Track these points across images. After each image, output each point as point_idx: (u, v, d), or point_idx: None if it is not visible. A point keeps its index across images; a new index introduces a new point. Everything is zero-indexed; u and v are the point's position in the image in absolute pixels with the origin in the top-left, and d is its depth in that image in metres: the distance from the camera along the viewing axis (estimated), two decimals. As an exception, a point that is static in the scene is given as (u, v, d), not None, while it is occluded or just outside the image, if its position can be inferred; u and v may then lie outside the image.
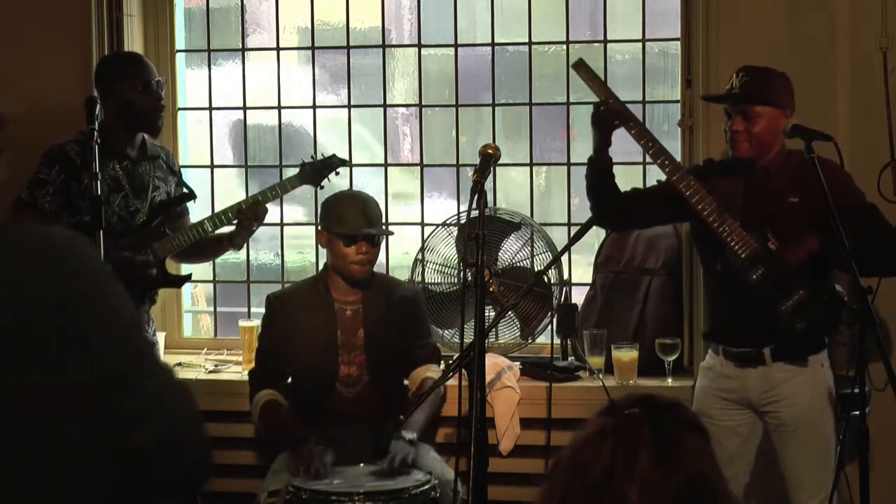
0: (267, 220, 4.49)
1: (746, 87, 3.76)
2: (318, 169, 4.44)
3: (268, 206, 4.37)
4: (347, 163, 4.55)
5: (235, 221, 4.35)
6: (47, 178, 4.21)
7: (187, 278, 4.52)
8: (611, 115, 3.77)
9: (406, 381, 4.31)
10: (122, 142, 4.28)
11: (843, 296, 3.70)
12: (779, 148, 3.81)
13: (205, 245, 4.42)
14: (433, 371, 4.22)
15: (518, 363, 4.67)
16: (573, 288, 4.85)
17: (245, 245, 4.58)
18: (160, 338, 4.98)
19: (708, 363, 3.96)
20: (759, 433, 3.90)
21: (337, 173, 4.48)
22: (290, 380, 4.30)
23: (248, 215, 4.31)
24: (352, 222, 4.18)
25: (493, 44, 5.01)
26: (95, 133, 3.93)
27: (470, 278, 3.62)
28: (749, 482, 3.95)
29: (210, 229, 4.33)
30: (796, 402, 3.79)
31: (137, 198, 4.30)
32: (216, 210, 4.56)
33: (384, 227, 4.32)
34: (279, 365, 4.26)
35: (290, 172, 4.59)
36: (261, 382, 4.24)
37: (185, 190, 4.48)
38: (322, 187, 4.49)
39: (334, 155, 4.48)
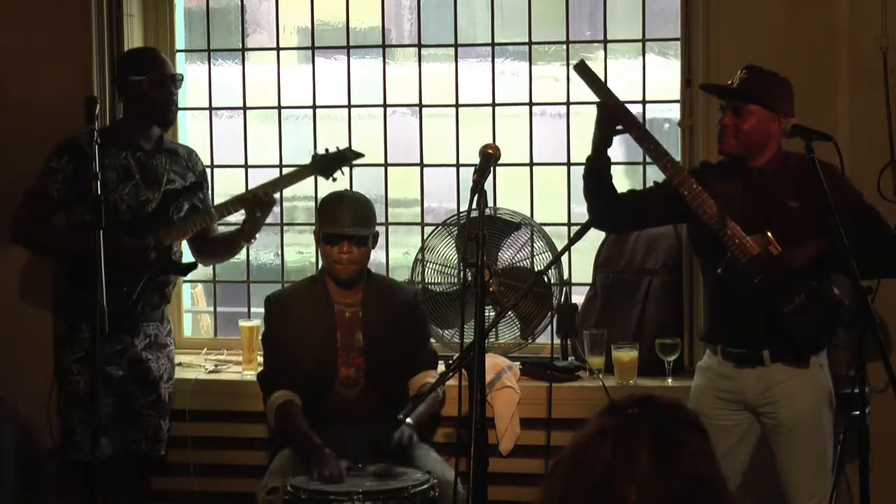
0: (268, 219, 4.45)
1: (744, 84, 3.77)
2: (329, 161, 4.43)
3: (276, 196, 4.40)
4: (362, 155, 4.54)
5: (243, 212, 4.36)
6: (57, 166, 4.25)
7: (192, 266, 4.47)
8: (613, 117, 3.77)
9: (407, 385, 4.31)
10: (136, 134, 4.33)
11: (841, 298, 3.70)
12: (775, 150, 3.81)
13: (221, 244, 4.47)
14: (432, 377, 4.20)
15: (518, 363, 4.67)
16: (573, 288, 4.85)
17: (255, 237, 4.58)
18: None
19: (705, 363, 3.96)
20: (755, 434, 3.89)
21: (351, 166, 4.47)
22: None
23: (254, 204, 4.32)
24: (334, 222, 4.18)
25: (493, 44, 5.01)
26: (95, 133, 3.93)
27: (470, 278, 3.61)
28: (746, 483, 3.95)
29: (216, 217, 4.36)
30: (793, 402, 3.78)
31: (149, 188, 4.31)
32: None
33: (373, 229, 4.26)
34: (288, 364, 4.24)
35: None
36: (273, 384, 4.21)
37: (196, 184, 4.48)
38: (335, 179, 4.47)
39: (348, 148, 4.47)
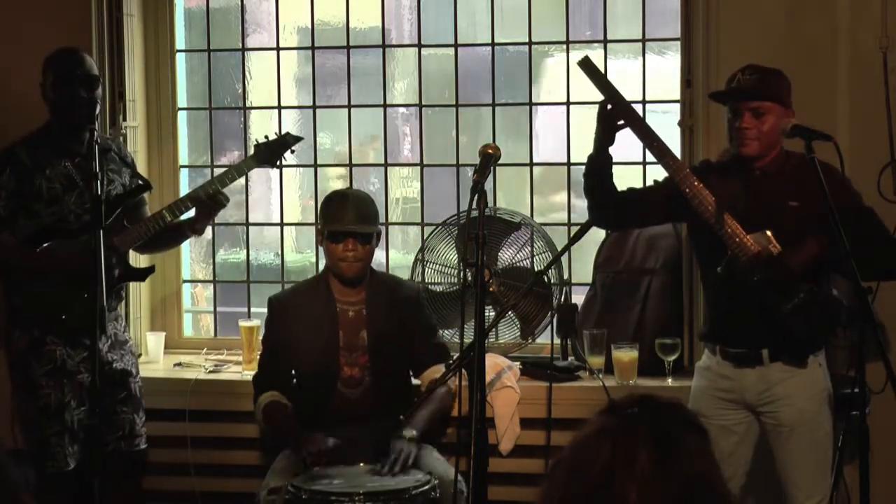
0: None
1: (756, 84, 3.73)
2: (272, 148, 4.41)
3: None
4: (301, 139, 4.53)
5: (194, 208, 4.31)
6: None
7: (150, 270, 4.43)
8: (616, 114, 3.76)
9: (417, 382, 4.31)
10: (67, 138, 4.15)
11: (840, 299, 3.69)
12: (778, 149, 3.81)
13: (166, 235, 4.35)
14: (443, 371, 4.20)
15: (518, 363, 4.67)
16: (573, 288, 4.85)
17: (205, 231, 4.53)
18: (160, 338, 4.99)
19: (704, 363, 3.96)
20: (755, 433, 3.89)
21: (292, 151, 4.45)
22: (293, 381, 4.28)
23: (207, 201, 4.27)
24: (337, 219, 4.17)
25: (493, 44, 5.01)
26: (95, 133, 3.91)
27: (470, 278, 3.61)
28: (746, 483, 3.95)
29: (169, 219, 4.26)
30: (793, 402, 3.78)
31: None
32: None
33: (377, 226, 4.26)
34: (282, 367, 4.24)
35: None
36: (264, 386, 4.22)
37: (140, 181, 4.42)
38: (279, 167, 4.47)
39: (288, 133, 4.46)
